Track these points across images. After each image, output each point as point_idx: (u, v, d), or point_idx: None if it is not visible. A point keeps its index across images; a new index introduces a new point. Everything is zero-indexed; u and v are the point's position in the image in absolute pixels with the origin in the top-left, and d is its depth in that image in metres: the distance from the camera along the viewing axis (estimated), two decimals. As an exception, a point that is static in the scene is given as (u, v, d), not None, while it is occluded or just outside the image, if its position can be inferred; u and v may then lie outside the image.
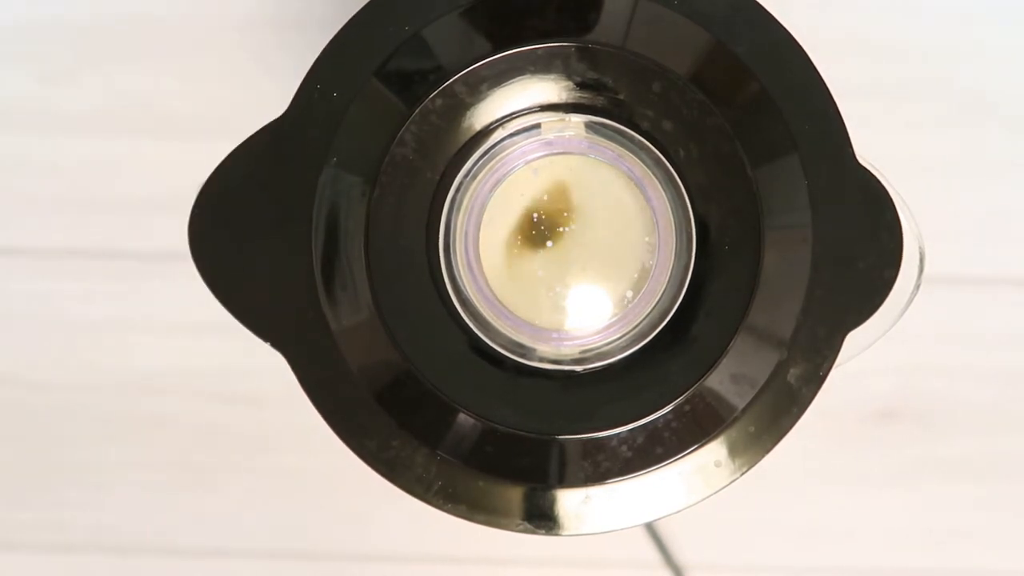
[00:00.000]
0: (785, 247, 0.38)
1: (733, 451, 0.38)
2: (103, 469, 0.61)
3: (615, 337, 0.39)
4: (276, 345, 0.38)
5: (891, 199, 0.38)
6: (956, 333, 0.60)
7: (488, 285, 0.38)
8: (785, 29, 0.38)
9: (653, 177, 0.38)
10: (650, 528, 0.61)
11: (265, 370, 0.60)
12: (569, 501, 0.38)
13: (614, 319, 0.39)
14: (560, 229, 0.38)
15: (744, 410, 0.38)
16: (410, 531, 0.61)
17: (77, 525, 0.62)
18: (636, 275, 0.39)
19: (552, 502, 0.38)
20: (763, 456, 0.39)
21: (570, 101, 0.39)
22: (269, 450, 0.61)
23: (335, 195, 0.38)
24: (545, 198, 0.39)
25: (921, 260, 0.41)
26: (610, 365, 0.38)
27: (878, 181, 0.38)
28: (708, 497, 0.39)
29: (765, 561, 0.62)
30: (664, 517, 0.39)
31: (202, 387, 0.61)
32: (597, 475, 0.38)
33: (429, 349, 0.38)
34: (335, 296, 0.38)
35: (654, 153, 0.38)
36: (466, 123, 0.38)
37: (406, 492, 0.38)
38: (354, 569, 0.62)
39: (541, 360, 0.38)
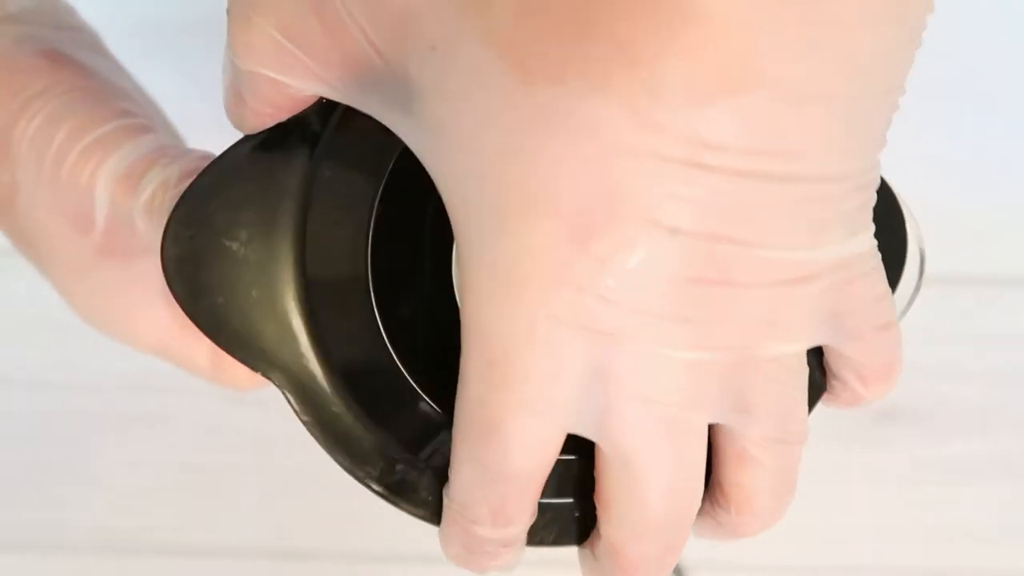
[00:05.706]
0: (785, 247, 0.38)
1: (733, 451, 0.38)
2: (103, 469, 0.61)
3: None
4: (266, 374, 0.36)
5: (892, 199, 0.38)
6: (956, 333, 0.60)
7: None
8: (785, 29, 0.38)
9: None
10: (650, 528, 0.60)
11: (265, 370, 0.60)
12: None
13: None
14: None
15: (744, 410, 0.38)
16: (410, 531, 0.61)
17: (77, 525, 0.62)
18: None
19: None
20: (763, 456, 0.39)
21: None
22: (270, 450, 0.61)
23: (334, 195, 0.37)
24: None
25: (921, 260, 0.41)
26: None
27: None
28: (708, 497, 0.39)
29: (765, 561, 0.62)
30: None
31: (202, 387, 0.61)
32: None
33: (438, 367, 0.36)
34: (332, 306, 0.36)
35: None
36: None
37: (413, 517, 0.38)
38: (354, 569, 0.62)
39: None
